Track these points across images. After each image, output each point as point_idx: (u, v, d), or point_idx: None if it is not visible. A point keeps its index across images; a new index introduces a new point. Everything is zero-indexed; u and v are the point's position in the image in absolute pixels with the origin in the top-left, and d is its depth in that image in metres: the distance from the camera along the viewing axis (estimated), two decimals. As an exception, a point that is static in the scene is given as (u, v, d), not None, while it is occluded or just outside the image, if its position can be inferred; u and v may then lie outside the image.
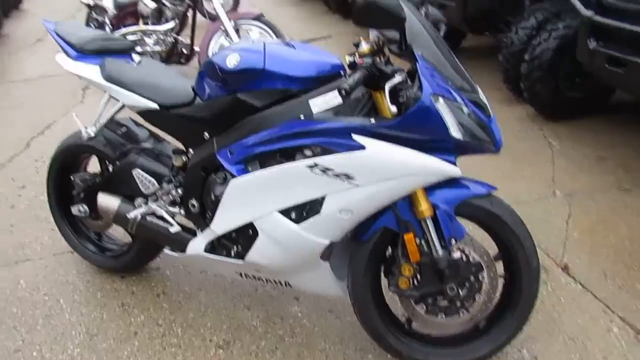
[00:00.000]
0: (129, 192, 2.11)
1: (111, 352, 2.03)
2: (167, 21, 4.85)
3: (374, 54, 1.59)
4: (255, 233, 1.76)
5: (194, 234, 1.99)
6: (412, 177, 1.56)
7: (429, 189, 1.65)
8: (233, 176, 1.73)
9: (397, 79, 1.51)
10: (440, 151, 1.55)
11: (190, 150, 1.97)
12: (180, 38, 4.87)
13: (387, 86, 1.48)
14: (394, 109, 1.48)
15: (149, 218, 2.07)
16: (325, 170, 1.57)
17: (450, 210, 1.66)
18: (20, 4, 9.85)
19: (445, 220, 1.65)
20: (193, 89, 1.89)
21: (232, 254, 1.88)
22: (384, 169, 1.54)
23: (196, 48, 4.86)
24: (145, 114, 2.00)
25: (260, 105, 1.70)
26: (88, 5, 5.39)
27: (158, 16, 4.90)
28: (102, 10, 5.28)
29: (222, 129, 1.81)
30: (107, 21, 5.21)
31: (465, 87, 1.58)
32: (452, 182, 1.69)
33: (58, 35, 2.15)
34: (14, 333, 2.16)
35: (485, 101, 1.62)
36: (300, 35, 6.50)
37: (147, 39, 4.88)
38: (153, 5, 4.85)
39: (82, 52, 2.08)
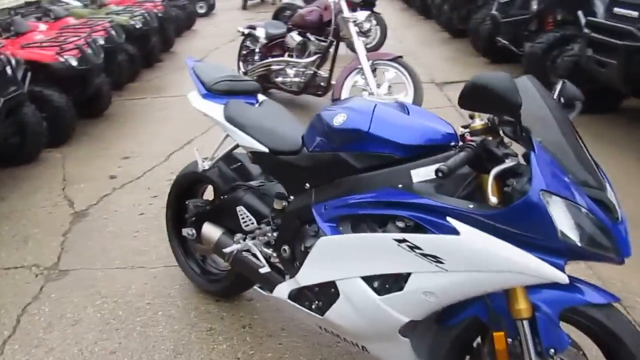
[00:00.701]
0: (231, 226, 2.20)
1: (189, 375, 2.12)
2: (309, 55, 5.08)
3: (486, 132, 1.47)
4: (337, 293, 1.72)
5: (283, 277, 2.01)
6: (508, 274, 1.40)
7: (532, 286, 1.47)
8: (324, 233, 1.71)
9: (506, 165, 1.37)
10: (548, 252, 1.37)
11: (292, 197, 2.00)
12: (319, 72, 5.06)
13: (493, 172, 1.36)
14: (494, 200, 1.35)
15: (244, 254, 2.14)
16: (413, 248, 1.48)
17: (554, 315, 1.45)
18: (192, 26, 11.07)
19: (546, 326, 1.45)
20: (302, 138, 1.92)
21: (313, 307, 1.86)
22: (477, 260, 1.41)
23: (333, 82, 5.00)
24: (256, 155, 2.08)
25: (360, 167, 1.67)
26: (243, 34, 5.85)
27: (302, 50, 5.15)
28: (254, 39, 5.69)
29: (322, 183, 1.81)
30: (257, 49, 5.60)
31: (590, 182, 1.39)
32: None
33: (194, 72, 2.33)
34: (114, 335, 2.36)
35: (615, 200, 1.41)
36: (442, 76, 6.39)
37: (288, 70, 5.15)
38: (299, 39, 5.11)
39: (211, 91, 2.23)
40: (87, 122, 5.25)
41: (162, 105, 5.98)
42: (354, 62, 4.55)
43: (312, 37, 5.07)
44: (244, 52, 5.90)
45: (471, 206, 1.42)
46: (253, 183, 2.24)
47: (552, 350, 1.46)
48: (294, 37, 5.13)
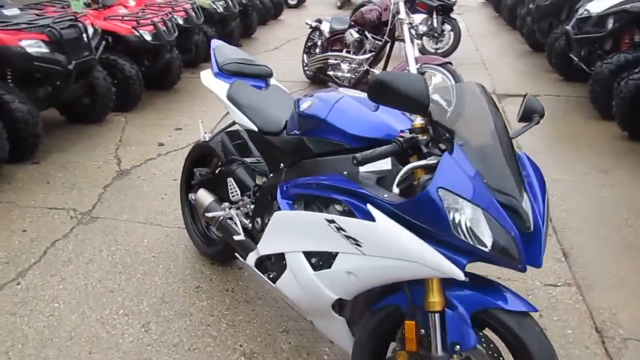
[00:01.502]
0: (222, 195, 2.42)
1: (166, 320, 2.37)
2: (365, 53, 5.19)
3: (422, 130, 1.56)
4: (285, 265, 1.88)
5: (256, 247, 2.19)
6: (413, 264, 1.48)
7: (451, 284, 1.54)
8: (279, 209, 1.87)
9: (423, 162, 1.46)
10: (452, 249, 1.44)
11: (271, 174, 2.17)
12: (372, 69, 5.16)
13: (407, 167, 1.45)
14: (396, 190, 1.45)
15: (229, 221, 2.35)
16: (339, 229, 1.60)
17: (465, 314, 1.52)
18: (279, 15, 11.47)
19: (454, 322, 1.52)
20: (285, 122, 2.08)
21: (270, 276, 2.02)
22: (388, 247, 1.50)
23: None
24: (248, 133, 2.27)
25: (317, 152, 1.81)
26: (311, 27, 6.06)
27: (359, 46, 5.28)
28: (320, 32, 5.89)
29: (291, 164, 1.97)
30: (319, 43, 5.80)
31: (506, 190, 1.44)
32: (486, 285, 1.57)
33: (214, 52, 2.56)
34: (117, 277, 2.67)
35: (529, 212, 1.44)
36: (506, 88, 6.23)
37: (343, 65, 5.30)
38: (356, 36, 5.24)
39: (222, 71, 2.45)
40: (154, 92, 5.73)
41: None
42: (402, 63, 4.61)
43: (369, 35, 5.18)
44: (309, 44, 6.12)
45: (385, 195, 1.52)
46: (247, 159, 2.43)
47: (458, 347, 1.53)
48: (352, 34, 5.26)
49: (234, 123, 2.44)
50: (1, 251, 2.87)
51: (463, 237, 1.38)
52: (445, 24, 7.52)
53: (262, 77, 2.52)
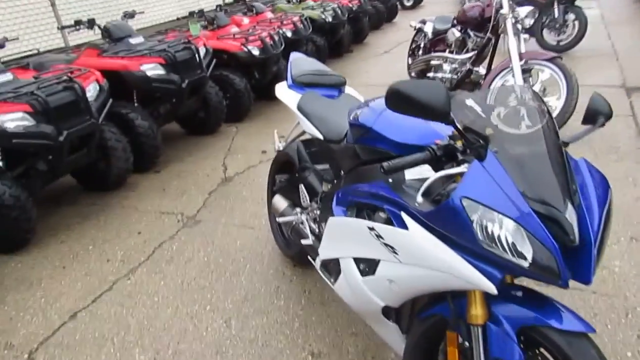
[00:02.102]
0: (295, 200, 2.53)
1: (246, 317, 2.54)
2: (467, 52, 5.00)
3: (455, 138, 1.51)
4: (340, 270, 1.92)
5: (323, 251, 2.27)
6: (446, 275, 1.44)
7: (497, 297, 1.47)
8: (334, 215, 1.93)
9: (452, 170, 1.42)
10: (488, 262, 1.37)
11: (335, 180, 2.23)
12: (475, 69, 4.96)
13: (438, 174, 1.42)
14: (419, 199, 1.42)
15: (300, 226, 2.45)
16: (378, 237, 1.61)
17: (511, 329, 1.44)
18: (394, 18, 11.44)
19: (496, 337, 1.45)
20: (347, 130, 2.13)
21: (330, 280, 2.09)
22: (421, 256, 1.48)
23: (489, 80, 4.86)
24: (316, 141, 2.35)
25: (367, 159, 1.83)
26: (415, 28, 5.99)
27: (461, 46, 5.10)
28: (424, 34, 5.79)
29: (349, 171, 2.01)
30: (422, 44, 5.71)
31: (547, 200, 1.34)
32: (536, 300, 1.48)
33: (290, 65, 2.69)
34: (208, 276, 2.92)
35: (574, 224, 1.32)
36: (638, 81, 5.58)
37: (445, 66, 5.17)
38: (458, 34, 5.07)
39: (295, 83, 2.57)
40: (264, 103, 6.08)
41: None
42: (506, 60, 4.36)
43: (471, 33, 4.99)
44: (413, 46, 6.05)
45: (416, 204, 1.49)
46: (319, 166, 2.51)
47: (502, 363, 1.46)
48: (454, 33, 5.10)
49: (302, 134, 2.55)
50: (119, 250, 3.29)
51: (493, 250, 1.32)
52: (569, 13, 6.93)
53: (335, 86, 2.59)
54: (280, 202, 2.62)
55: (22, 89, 3.31)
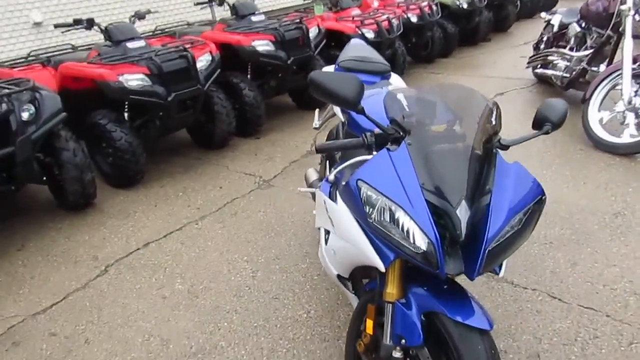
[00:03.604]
0: (322, 175, 2.77)
1: (270, 272, 2.88)
2: (585, 49, 4.61)
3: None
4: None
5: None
6: (356, 249, 1.59)
7: (416, 280, 1.60)
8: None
9: (357, 159, 1.57)
10: (384, 243, 1.50)
11: (345, 160, 2.43)
12: (593, 68, 4.55)
13: (353, 159, 1.58)
14: (331, 177, 1.58)
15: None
16: (326, 209, 1.81)
17: (416, 312, 1.56)
18: (553, 7, 10.55)
19: (400, 316, 1.57)
20: None
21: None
22: (343, 229, 1.65)
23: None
24: (341, 123, 2.56)
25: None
26: (545, 20, 5.61)
27: (581, 42, 4.70)
28: (550, 27, 5.42)
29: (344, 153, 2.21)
30: (545, 38, 5.35)
31: (444, 195, 1.42)
32: (451, 291, 1.57)
33: (344, 50, 2.89)
34: (258, 232, 3.31)
35: (463, 221, 1.39)
36: None
37: (560, 63, 4.82)
38: (578, 30, 4.68)
39: (339, 66, 2.77)
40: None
41: (449, 81, 6.43)
42: (618, 62, 3.97)
43: (593, 29, 4.57)
44: (539, 39, 5.69)
45: (328, 182, 1.66)
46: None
47: (403, 341, 1.58)
48: (575, 28, 4.72)
49: (332, 115, 2.76)
50: (200, 200, 3.85)
51: (381, 232, 1.45)
52: None
53: (377, 73, 2.73)
54: (311, 174, 2.87)
55: (146, 55, 3.99)
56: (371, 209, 1.46)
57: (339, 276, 1.94)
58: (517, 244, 1.50)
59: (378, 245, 1.52)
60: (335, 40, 5.66)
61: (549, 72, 4.89)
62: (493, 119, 1.61)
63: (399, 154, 1.50)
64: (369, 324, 1.70)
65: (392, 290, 1.60)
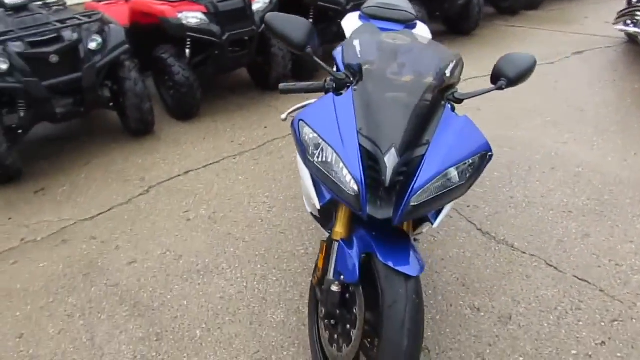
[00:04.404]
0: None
1: (285, 210, 3.08)
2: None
3: None
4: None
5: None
6: (305, 185, 1.71)
7: (362, 223, 1.68)
8: None
9: (308, 102, 1.65)
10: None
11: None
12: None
13: (306, 102, 1.67)
14: (282, 116, 1.68)
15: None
16: None
17: (357, 251, 1.67)
18: None
19: (341, 254, 1.67)
20: None
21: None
22: (300, 166, 1.77)
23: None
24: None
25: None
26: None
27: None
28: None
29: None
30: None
31: (376, 142, 1.48)
32: (391, 236, 1.65)
33: None
34: (285, 171, 3.50)
35: (389, 167, 1.45)
36: None
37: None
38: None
39: (362, 13, 2.77)
40: (453, 38, 6.04)
41: (526, 36, 6.04)
42: None
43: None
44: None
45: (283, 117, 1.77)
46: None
47: (342, 277, 1.70)
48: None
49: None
50: (244, 137, 4.10)
51: (313, 171, 1.55)
52: None
53: (400, 21, 2.71)
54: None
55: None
56: (310, 149, 1.56)
57: (311, 213, 2.08)
58: (451, 196, 1.54)
59: (318, 183, 1.63)
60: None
61: (632, 29, 4.44)
62: (449, 72, 1.62)
63: (343, 98, 1.57)
64: (320, 258, 1.84)
65: (339, 229, 1.71)
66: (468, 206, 2.95)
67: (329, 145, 1.51)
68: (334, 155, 1.51)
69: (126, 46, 3.86)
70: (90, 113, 4.07)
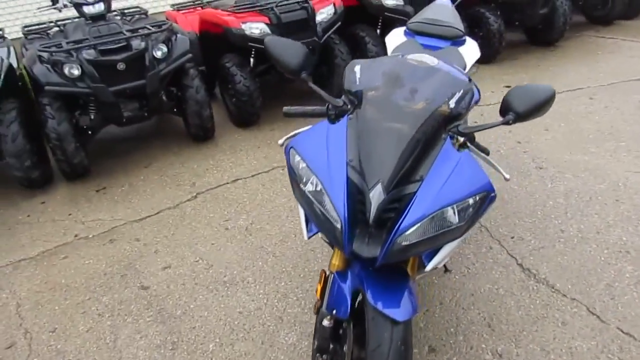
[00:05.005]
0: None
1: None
2: None
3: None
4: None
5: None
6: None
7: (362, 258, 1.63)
8: None
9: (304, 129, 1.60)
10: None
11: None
12: None
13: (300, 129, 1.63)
14: (280, 141, 1.63)
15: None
16: None
17: (349, 287, 1.61)
18: None
19: (335, 288, 1.62)
20: None
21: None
22: None
23: None
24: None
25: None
26: None
27: None
28: None
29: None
30: None
31: (364, 175, 1.40)
32: (384, 275, 1.58)
33: (423, 10, 2.76)
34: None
35: (373, 205, 1.37)
36: None
37: None
38: None
39: (407, 29, 2.67)
40: (534, 49, 5.68)
41: (617, 49, 5.51)
42: None
43: None
44: None
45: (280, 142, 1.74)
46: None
47: (334, 311, 1.64)
48: None
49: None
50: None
51: (300, 202, 1.50)
52: None
53: (447, 38, 2.58)
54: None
55: (268, 5, 4.26)
56: (298, 178, 1.51)
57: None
58: (447, 237, 1.43)
59: (308, 215, 1.58)
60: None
61: None
62: (454, 102, 1.51)
63: (337, 127, 1.52)
64: (318, 288, 1.78)
65: (335, 261, 1.66)
66: (512, 237, 2.73)
67: (315, 176, 1.46)
68: (321, 186, 1.45)
69: (189, 55, 4.02)
70: (151, 118, 4.27)
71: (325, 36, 4.40)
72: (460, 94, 1.54)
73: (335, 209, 1.41)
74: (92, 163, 4.04)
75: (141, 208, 3.49)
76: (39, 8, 4.26)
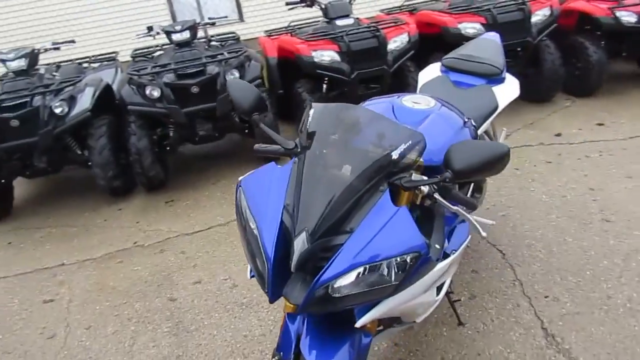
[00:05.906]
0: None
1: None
2: None
3: None
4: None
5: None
6: None
7: None
8: None
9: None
10: None
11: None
12: None
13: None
14: (241, 177, 1.66)
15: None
16: None
17: (295, 331, 1.59)
18: None
19: (284, 329, 1.62)
20: None
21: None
22: None
23: None
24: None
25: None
26: None
27: None
28: None
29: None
30: None
31: (296, 220, 1.39)
32: (341, 325, 1.56)
33: (466, 44, 2.64)
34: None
35: (296, 254, 1.35)
36: None
37: None
38: None
39: (442, 64, 2.56)
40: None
41: None
42: None
43: None
44: None
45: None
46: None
47: (282, 353, 1.63)
48: None
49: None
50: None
51: (242, 241, 1.52)
52: None
53: (482, 75, 2.44)
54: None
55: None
56: (240, 217, 1.54)
57: None
58: (378, 294, 1.37)
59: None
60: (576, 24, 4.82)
61: None
62: (398, 153, 1.44)
63: (283, 169, 1.52)
64: (280, 325, 1.78)
65: (289, 302, 1.65)
66: (546, 297, 2.47)
67: (253, 217, 1.48)
68: (256, 228, 1.47)
69: (259, 80, 4.23)
70: (222, 138, 4.53)
71: (396, 65, 4.36)
72: (406, 145, 1.46)
73: (264, 252, 1.42)
74: (172, 177, 4.40)
75: (196, 222, 3.73)
76: (137, 35, 4.77)
